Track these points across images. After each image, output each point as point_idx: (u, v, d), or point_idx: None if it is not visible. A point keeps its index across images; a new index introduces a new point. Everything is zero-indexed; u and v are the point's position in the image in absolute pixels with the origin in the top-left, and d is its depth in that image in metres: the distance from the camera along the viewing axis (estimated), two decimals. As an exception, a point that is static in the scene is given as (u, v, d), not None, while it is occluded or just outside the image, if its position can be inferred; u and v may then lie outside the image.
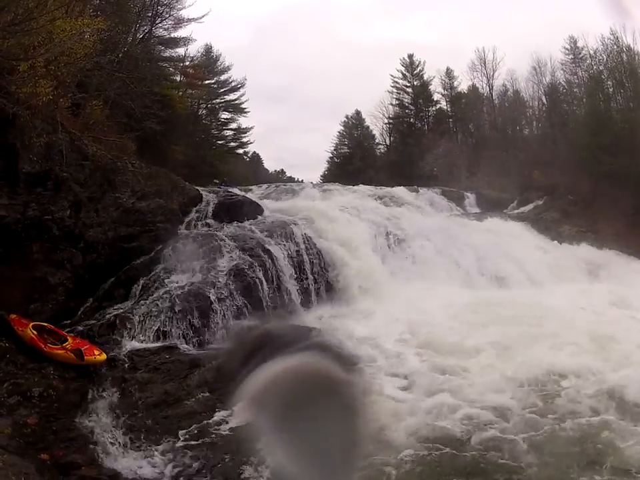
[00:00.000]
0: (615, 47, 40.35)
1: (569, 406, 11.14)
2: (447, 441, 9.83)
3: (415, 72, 62.79)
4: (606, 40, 41.11)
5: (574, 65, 46.89)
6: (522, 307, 17.82)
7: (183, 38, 40.47)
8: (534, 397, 11.67)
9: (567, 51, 47.37)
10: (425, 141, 57.06)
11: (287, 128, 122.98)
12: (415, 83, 62.90)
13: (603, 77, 41.28)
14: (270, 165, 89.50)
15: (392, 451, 9.58)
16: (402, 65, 63.22)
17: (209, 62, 49.89)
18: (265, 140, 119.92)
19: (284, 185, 35.58)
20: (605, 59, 42.10)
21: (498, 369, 12.97)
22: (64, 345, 11.97)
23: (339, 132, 70.14)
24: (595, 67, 43.69)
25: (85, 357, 11.58)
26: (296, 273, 18.37)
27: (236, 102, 53.09)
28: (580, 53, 46.36)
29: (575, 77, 46.95)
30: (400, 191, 34.22)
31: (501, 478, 8.78)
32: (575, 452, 9.37)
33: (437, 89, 62.19)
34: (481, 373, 12.83)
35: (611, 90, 40.14)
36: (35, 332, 12.09)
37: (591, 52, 44.19)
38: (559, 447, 9.54)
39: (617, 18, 38.42)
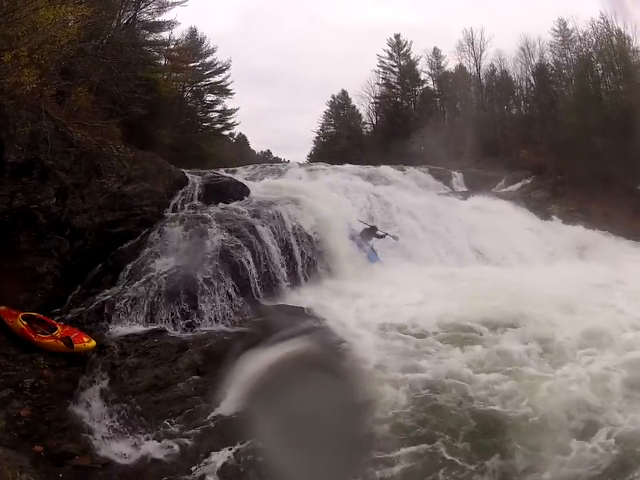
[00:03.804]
0: (605, 30, 40.72)
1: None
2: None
3: (402, 51, 62.80)
4: (596, 23, 41.56)
5: (563, 47, 46.99)
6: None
7: (168, 22, 40.86)
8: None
9: (557, 33, 47.55)
10: (411, 120, 57.12)
11: (275, 110, 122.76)
12: (402, 62, 62.89)
13: (592, 59, 41.53)
14: (257, 146, 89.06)
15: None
16: (389, 45, 63.36)
17: (193, 45, 49.52)
18: (254, 123, 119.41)
19: (270, 166, 35.16)
20: (594, 42, 42.36)
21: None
22: (53, 333, 11.98)
23: (325, 112, 70.05)
24: (584, 49, 43.99)
25: (75, 345, 11.59)
26: (283, 253, 18.31)
27: (221, 84, 52.69)
28: (569, 35, 46.56)
29: (564, 58, 47.01)
30: (386, 169, 34.25)
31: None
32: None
33: (423, 69, 62.44)
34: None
35: (600, 72, 40.37)
36: (24, 322, 12.12)
37: (581, 34, 44.48)
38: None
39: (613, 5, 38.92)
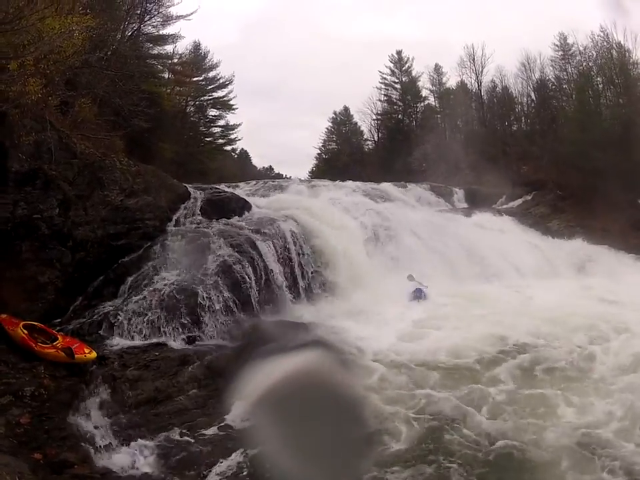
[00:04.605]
0: (605, 43, 40.91)
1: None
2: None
3: (404, 68, 63.05)
4: (596, 37, 41.78)
5: (563, 62, 47.08)
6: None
7: (172, 35, 40.87)
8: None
9: (557, 48, 47.64)
10: (413, 137, 57.15)
11: (275, 124, 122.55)
12: (404, 79, 63.13)
13: (592, 73, 41.67)
14: (258, 161, 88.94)
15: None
16: (390, 62, 63.61)
17: (197, 59, 49.60)
18: (254, 136, 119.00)
19: (272, 181, 35.15)
20: (594, 56, 42.55)
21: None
22: (54, 343, 11.94)
23: (327, 128, 70.46)
24: (584, 64, 44.07)
25: (75, 355, 11.56)
26: (284, 269, 18.35)
27: (224, 99, 52.69)
28: (570, 50, 46.63)
29: (565, 73, 47.12)
30: (388, 186, 34.13)
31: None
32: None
33: (425, 85, 62.49)
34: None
35: (600, 86, 40.52)
36: (25, 331, 12.07)
37: (581, 48, 44.61)
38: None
39: (614, 14, 39.03)
